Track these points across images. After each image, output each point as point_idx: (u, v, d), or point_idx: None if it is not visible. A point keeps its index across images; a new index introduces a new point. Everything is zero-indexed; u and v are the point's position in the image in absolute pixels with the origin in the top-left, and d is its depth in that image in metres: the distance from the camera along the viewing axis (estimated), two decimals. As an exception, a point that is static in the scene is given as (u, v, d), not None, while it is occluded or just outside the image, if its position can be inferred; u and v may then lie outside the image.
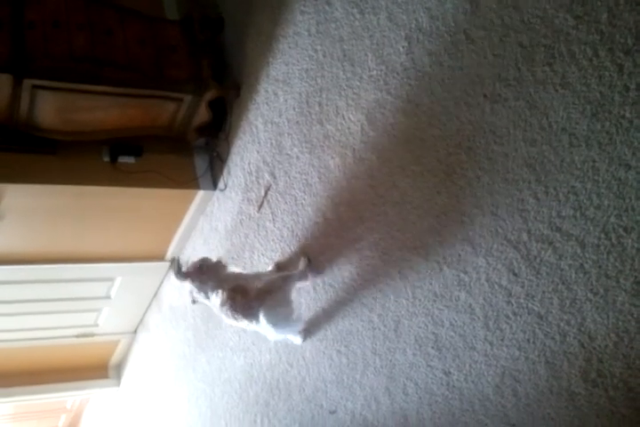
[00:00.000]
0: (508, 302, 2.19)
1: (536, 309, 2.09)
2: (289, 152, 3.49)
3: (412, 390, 2.65)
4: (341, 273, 3.08)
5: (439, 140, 2.47)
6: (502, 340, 2.22)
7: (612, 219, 1.84)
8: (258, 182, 3.84)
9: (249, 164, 3.94)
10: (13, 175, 3.70)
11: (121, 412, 7.68)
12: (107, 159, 4.01)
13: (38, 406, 8.98)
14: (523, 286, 2.14)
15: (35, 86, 3.47)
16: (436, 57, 2.47)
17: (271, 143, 3.67)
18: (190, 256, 4.35)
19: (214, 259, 3.31)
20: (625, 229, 1.81)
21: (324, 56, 3.17)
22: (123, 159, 4.02)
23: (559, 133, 1.99)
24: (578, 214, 1.94)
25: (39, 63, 3.44)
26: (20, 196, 3.88)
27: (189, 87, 3.86)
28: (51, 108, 3.64)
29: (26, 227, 4.27)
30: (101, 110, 3.80)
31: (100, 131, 3.91)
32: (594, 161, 1.89)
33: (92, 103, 3.72)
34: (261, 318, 2.95)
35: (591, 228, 1.91)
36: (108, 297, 5.61)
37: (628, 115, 1.80)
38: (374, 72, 2.83)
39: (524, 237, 2.12)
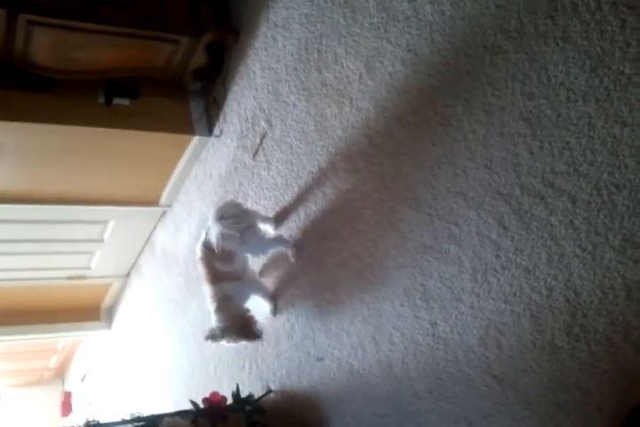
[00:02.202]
0: (497, 256, 2.20)
1: (524, 263, 2.10)
2: (286, 99, 3.46)
3: (397, 339, 2.68)
4: (332, 222, 3.08)
5: (437, 90, 2.44)
6: (489, 293, 2.24)
7: (605, 176, 1.84)
8: (253, 129, 3.82)
9: (245, 110, 3.90)
10: (7, 112, 3.67)
11: (112, 354, 7.79)
12: (101, 100, 3.96)
13: (30, 347, 9.09)
14: (512, 240, 2.14)
15: (30, 22, 3.40)
16: (438, 6, 2.42)
17: (268, 90, 3.63)
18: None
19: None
20: (617, 187, 1.81)
21: (325, 1, 3.10)
22: (118, 101, 3.97)
23: (557, 88, 1.97)
24: (571, 170, 1.94)
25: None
26: (13, 134, 3.85)
27: (187, 29, 3.79)
28: (46, 45, 3.57)
29: (19, 166, 4.25)
30: (97, 49, 3.74)
31: (95, 70, 3.85)
32: (590, 117, 1.87)
33: (88, 41, 3.65)
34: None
35: (583, 184, 1.90)
36: (100, 240, 5.63)
37: (627, 71, 1.77)
38: (375, 19, 2.78)
39: (517, 191, 2.12)
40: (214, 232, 3.21)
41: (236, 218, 3.23)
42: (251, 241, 3.30)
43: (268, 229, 3.58)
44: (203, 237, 3.29)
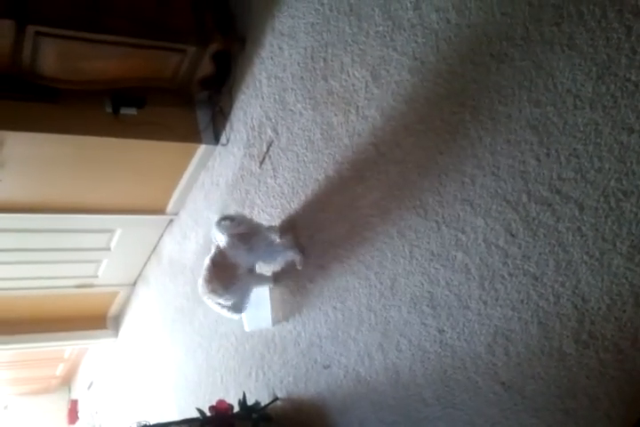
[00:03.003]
0: (504, 263, 2.20)
1: (532, 270, 2.10)
2: (292, 108, 3.47)
3: (405, 346, 2.68)
4: (339, 231, 3.09)
5: (443, 98, 2.45)
6: (497, 300, 2.24)
7: (612, 182, 1.84)
8: (260, 138, 3.83)
9: (252, 119, 3.92)
10: (15, 123, 3.68)
11: (118, 363, 7.80)
12: (109, 110, 3.98)
13: (36, 355, 9.10)
14: (519, 248, 2.15)
15: (38, 33, 3.42)
16: (444, 14, 2.43)
17: (274, 98, 3.64)
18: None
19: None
20: (624, 193, 1.81)
21: (331, 10, 3.12)
22: (125, 110, 3.99)
23: (564, 95, 1.98)
24: (578, 177, 1.94)
25: (42, 9, 3.38)
26: (22, 144, 3.87)
27: (193, 39, 3.81)
28: (53, 55, 3.59)
29: (27, 175, 4.26)
30: (104, 60, 3.75)
31: (102, 80, 3.86)
32: (597, 124, 1.88)
33: (95, 52, 3.67)
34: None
35: (591, 191, 1.91)
36: (107, 249, 5.64)
37: (633, 78, 1.78)
38: (381, 28, 2.79)
39: (524, 198, 2.12)
40: (217, 234, 3.21)
41: (235, 221, 3.23)
42: (260, 246, 3.29)
43: (274, 239, 3.57)
44: (213, 250, 3.29)
